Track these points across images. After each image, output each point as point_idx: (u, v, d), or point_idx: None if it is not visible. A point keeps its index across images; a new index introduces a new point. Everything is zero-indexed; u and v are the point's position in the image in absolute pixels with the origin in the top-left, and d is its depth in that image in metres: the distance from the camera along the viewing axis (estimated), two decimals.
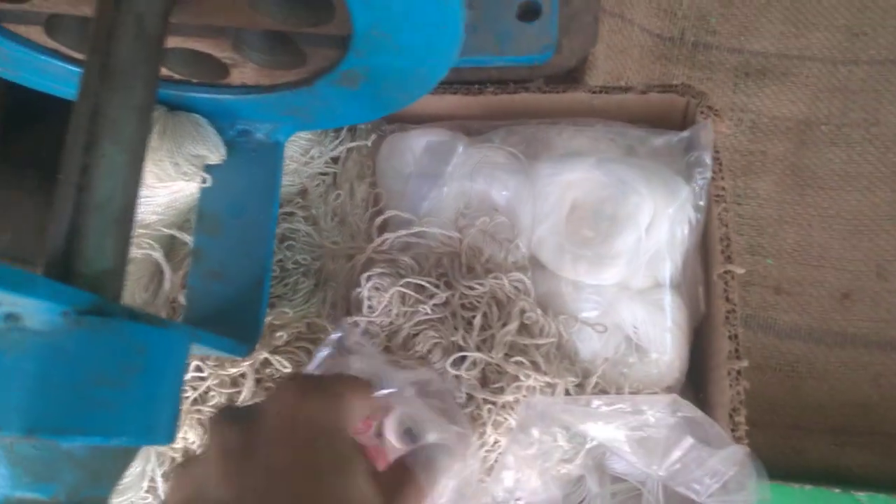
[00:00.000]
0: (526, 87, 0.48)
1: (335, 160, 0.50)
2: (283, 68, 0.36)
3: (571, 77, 0.81)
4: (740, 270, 0.43)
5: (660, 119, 0.48)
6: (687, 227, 0.43)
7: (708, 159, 0.43)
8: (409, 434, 0.34)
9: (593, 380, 0.42)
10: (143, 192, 0.44)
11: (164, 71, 0.37)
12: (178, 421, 0.28)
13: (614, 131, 0.46)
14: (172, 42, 0.34)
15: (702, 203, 0.43)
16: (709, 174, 0.43)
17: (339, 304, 0.46)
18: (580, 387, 0.42)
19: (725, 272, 0.43)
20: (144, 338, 0.25)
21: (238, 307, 0.38)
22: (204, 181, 0.39)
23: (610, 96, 0.47)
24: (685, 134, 0.45)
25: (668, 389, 0.44)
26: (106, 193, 0.27)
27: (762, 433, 0.73)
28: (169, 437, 0.27)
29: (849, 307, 0.75)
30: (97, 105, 0.27)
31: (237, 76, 0.37)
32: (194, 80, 0.38)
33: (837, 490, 0.64)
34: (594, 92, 0.47)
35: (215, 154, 0.39)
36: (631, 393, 0.43)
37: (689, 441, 0.35)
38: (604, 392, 0.42)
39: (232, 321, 0.38)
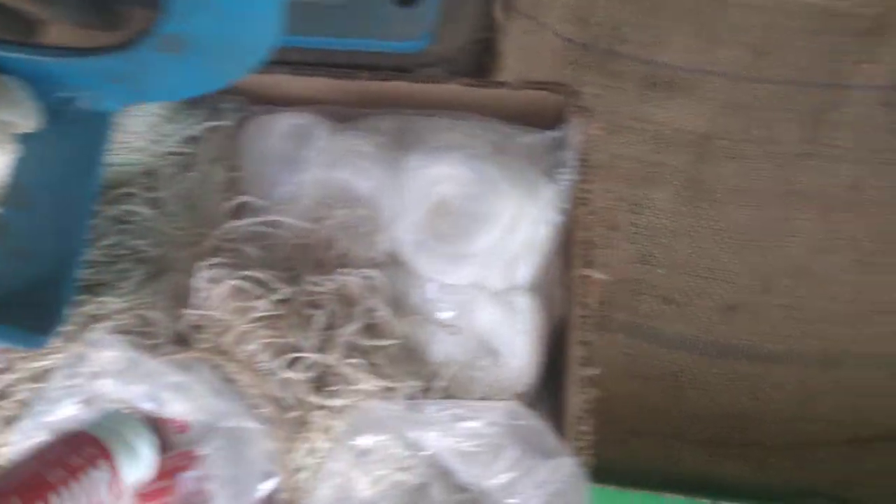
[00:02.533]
0: (400, 76, 0.46)
1: (193, 140, 0.46)
2: (100, 28, 0.32)
3: (478, 74, 0.80)
4: (599, 276, 0.42)
5: (537, 116, 0.47)
6: (548, 229, 0.42)
7: (573, 160, 0.42)
8: None
9: (441, 383, 0.40)
10: None
11: None
12: None
13: (486, 127, 0.45)
14: None
15: (565, 205, 0.42)
16: (573, 176, 0.42)
17: (180, 295, 0.43)
18: (427, 391, 0.41)
19: (583, 276, 0.42)
20: None
21: (43, 291, 0.34)
22: (14, 151, 0.35)
23: (485, 90, 0.45)
24: (554, 133, 0.43)
25: (521, 395, 0.43)
26: None
27: (642, 442, 0.74)
28: None
29: (733, 319, 0.76)
30: None
31: (53, 36, 0.34)
32: (6, 38, 0.34)
33: (707, 501, 0.65)
34: (469, 85, 0.45)
35: (27, 121, 0.35)
36: (482, 398, 0.41)
37: (517, 451, 0.33)
38: (451, 396, 0.41)
39: (35, 306, 0.34)
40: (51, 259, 0.35)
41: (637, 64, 0.82)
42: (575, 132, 0.42)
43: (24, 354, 0.38)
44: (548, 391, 0.45)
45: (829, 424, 0.74)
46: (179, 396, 0.38)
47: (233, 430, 0.37)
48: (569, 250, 0.44)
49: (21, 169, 0.36)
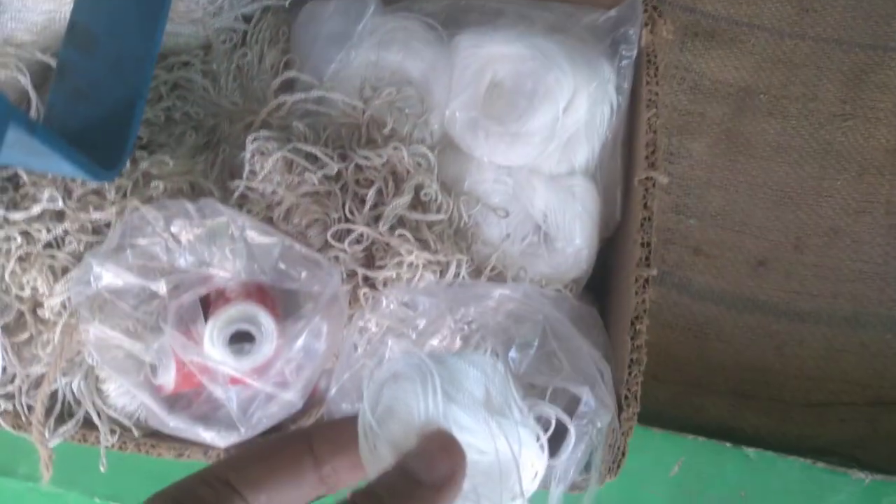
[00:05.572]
0: None
1: (247, 18, 0.46)
2: None
3: None
4: (664, 179, 0.41)
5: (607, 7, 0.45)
6: (608, 110, 0.41)
7: (634, 36, 0.40)
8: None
9: (491, 262, 0.40)
10: (15, 3, 0.39)
11: None
12: None
13: (543, 6, 0.44)
14: None
15: (626, 85, 0.41)
16: (634, 52, 0.41)
17: (230, 168, 0.42)
18: (477, 271, 0.40)
19: (647, 178, 0.41)
20: None
21: (104, 130, 0.34)
22: None
23: None
24: (612, 13, 0.42)
25: (575, 281, 0.43)
26: None
27: (664, 388, 0.73)
28: None
29: (763, 275, 0.75)
30: None
31: None
32: None
33: (728, 444, 0.65)
34: None
35: None
36: (535, 283, 0.41)
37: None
38: (501, 277, 0.40)
39: (95, 146, 0.34)
40: (112, 101, 0.34)
41: (680, 11, 0.81)
42: (635, 12, 0.41)
43: (80, 203, 0.37)
44: (593, 295, 0.45)
45: (851, 385, 0.74)
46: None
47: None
48: (632, 153, 0.43)
49: (85, 9, 0.36)
